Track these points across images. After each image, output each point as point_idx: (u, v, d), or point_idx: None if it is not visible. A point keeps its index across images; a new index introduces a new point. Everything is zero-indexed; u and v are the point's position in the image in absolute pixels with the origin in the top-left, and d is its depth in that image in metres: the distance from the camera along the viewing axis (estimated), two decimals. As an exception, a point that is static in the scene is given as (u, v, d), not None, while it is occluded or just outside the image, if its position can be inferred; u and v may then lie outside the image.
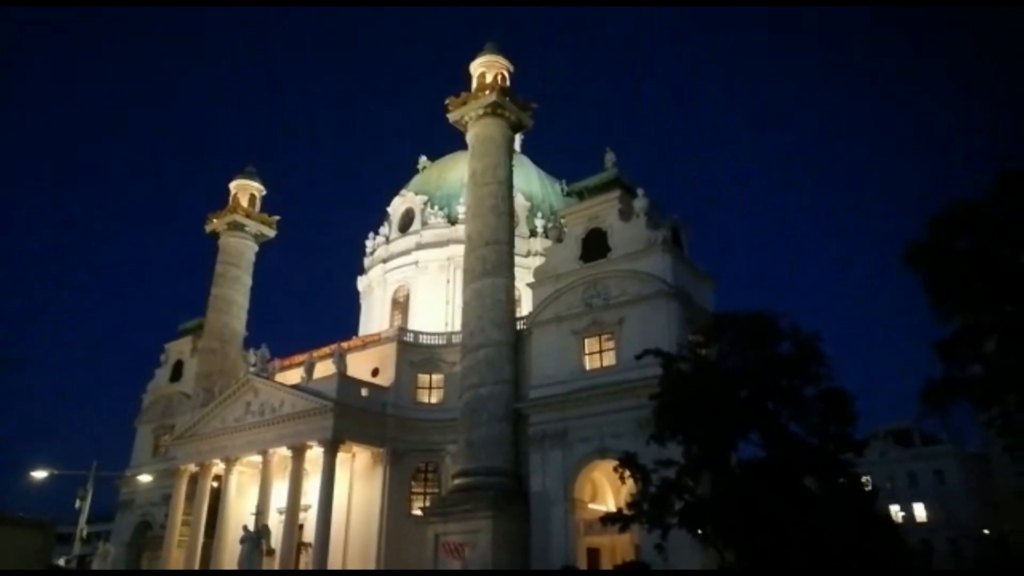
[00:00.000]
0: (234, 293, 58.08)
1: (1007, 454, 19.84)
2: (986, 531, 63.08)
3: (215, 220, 60.26)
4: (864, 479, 28.92)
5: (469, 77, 50.48)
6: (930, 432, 76.22)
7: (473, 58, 50.80)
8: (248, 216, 60.27)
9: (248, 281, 59.66)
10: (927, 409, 18.50)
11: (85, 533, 43.83)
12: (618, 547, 36.97)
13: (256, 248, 60.86)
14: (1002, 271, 17.65)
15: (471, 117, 47.89)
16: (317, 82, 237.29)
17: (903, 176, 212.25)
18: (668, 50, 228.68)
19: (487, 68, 50.02)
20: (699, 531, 24.46)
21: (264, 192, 62.79)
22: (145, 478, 51.83)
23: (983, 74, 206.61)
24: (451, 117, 48.91)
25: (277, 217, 62.15)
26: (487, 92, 47.79)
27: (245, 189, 61.75)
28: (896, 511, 72.88)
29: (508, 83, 50.05)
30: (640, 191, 41.89)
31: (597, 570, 37.43)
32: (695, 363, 26.98)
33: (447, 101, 49.13)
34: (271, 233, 61.58)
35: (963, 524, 70.82)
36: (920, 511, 77.20)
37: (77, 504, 43.20)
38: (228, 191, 61.80)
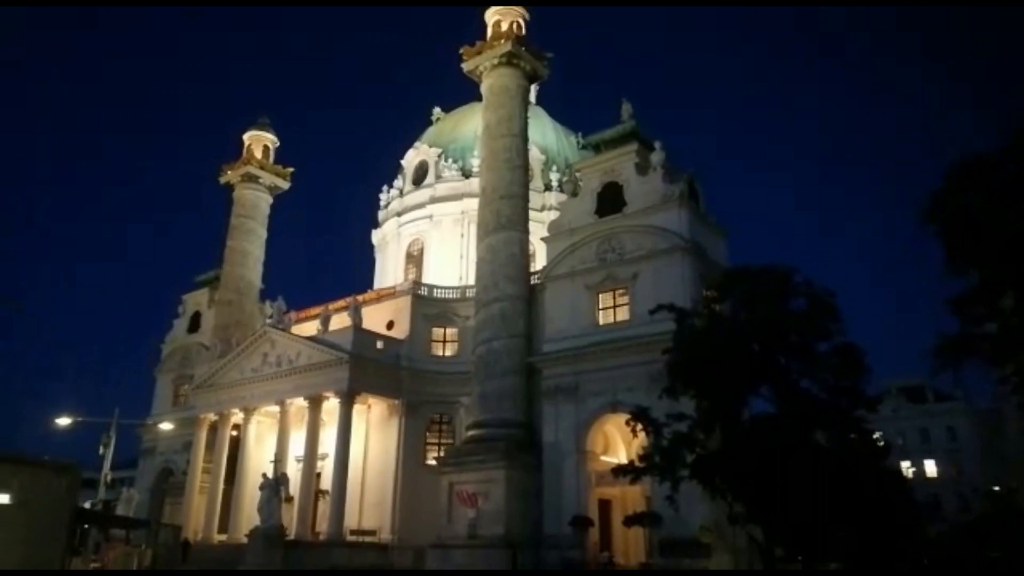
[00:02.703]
0: (249, 245, 58.46)
1: (1020, 411, 19.75)
2: (996, 487, 63.40)
3: (229, 172, 60.31)
4: (876, 435, 28.96)
5: (484, 26, 49.51)
6: (943, 389, 76.13)
7: (488, 5, 49.76)
8: (262, 168, 60.26)
9: (263, 233, 59.96)
10: (940, 366, 18.39)
11: (109, 478, 45.02)
12: (629, 498, 37.57)
13: (270, 200, 60.97)
14: (1018, 226, 17.35)
15: (485, 67, 47.13)
16: (331, 31, 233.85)
17: (917, 128, 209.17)
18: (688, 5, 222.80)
19: (502, 16, 48.97)
20: (710, 483, 24.76)
21: (278, 144, 62.65)
22: (166, 426, 52.96)
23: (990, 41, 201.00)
24: (465, 67, 48.13)
25: (291, 169, 62.14)
26: (502, 41, 46.87)
27: (259, 140, 61.63)
28: (907, 467, 73.36)
29: (524, 32, 49.02)
30: (657, 144, 41.35)
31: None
32: (708, 318, 26.97)
33: (461, 50, 48.28)
34: (285, 185, 61.59)
35: (973, 480, 71.24)
36: (931, 467, 77.69)
37: (101, 450, 44.35)
38: (242, 142, 61.71)
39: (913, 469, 75.38)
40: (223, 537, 46.53)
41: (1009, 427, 69.75)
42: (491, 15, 49.30)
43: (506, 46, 46.43)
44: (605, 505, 39.10)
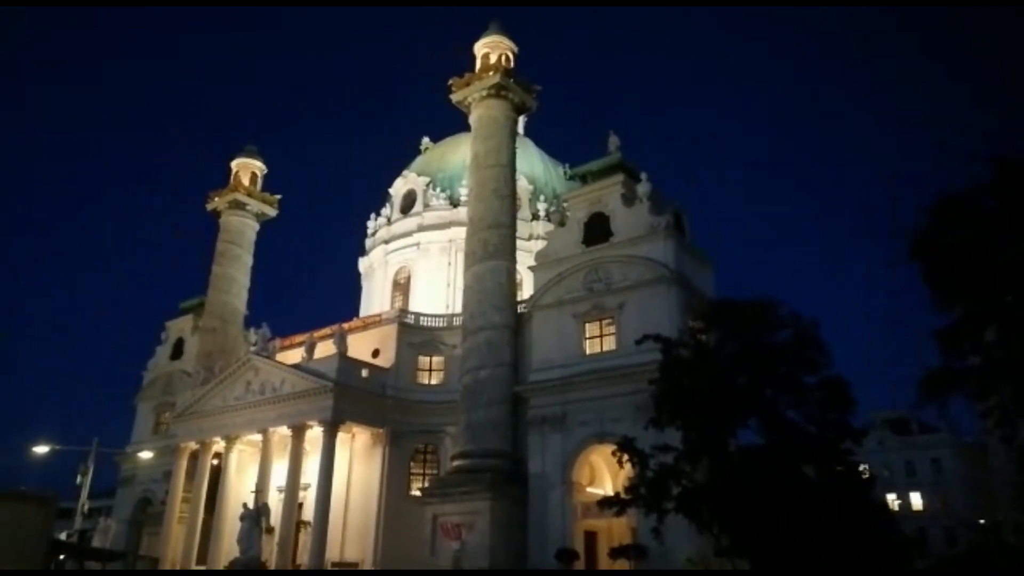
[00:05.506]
0: (235, 272, 58.17)
1: (1003, 444, 19.83)
2: (981, 520, 63.39)
3: (216, 199, 60.24)
4: (862, 467, 28.96)
5: (473, 58, 50.12)
6: (928, 421, 76.34)
7: (477, 39, 50.43)
8: (249, 195, 60.23)
9: (249, 260, 59.73)
10: (925, 398, 18.45)
11: (86, 508, 44.08)
12: (615, 530, 37.20)
13: (257, 227, 60.85)
14: (1001, 260, 17.58)
15: (474, 98, 47.60)
16: (321, 61, 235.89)
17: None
18: (673, 35, 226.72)
19: (491, 49, 49.64)
20: (696, 516, 24.57)
21: (265, 171, 62.74)
22: (146, 455, 52.14)
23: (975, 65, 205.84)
24: (454, 98, 48.60)
25: (279, 196, 62.18)
26: (491, 73, 47.45)
27: (246, 168, 61.68)
28: (893, 500, 73.19)
29: (512, 64, 49.69)
30: (643, 175, 41.75)
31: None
32: (694, 349, 27.00)
33: (450, 82, 48.79)
34: (272, 212, 61.55)
35: (959, 513, 71.15)
36: (917, 500, 77.55)
37: (78, 480, 43.49)
38: (230, 169, 61.72)
39: (899, 501, 75.22)
40: (202, 568, 45.55)
41: (993, 460, 69.91)
42: (480, 47, 49.97)
43: (495, 78, 46.97)
44: (591, 537, 38.67)
